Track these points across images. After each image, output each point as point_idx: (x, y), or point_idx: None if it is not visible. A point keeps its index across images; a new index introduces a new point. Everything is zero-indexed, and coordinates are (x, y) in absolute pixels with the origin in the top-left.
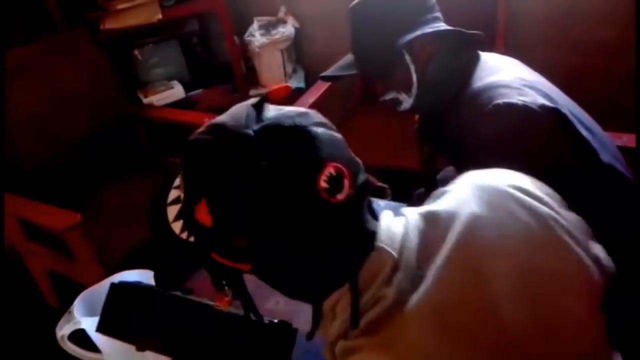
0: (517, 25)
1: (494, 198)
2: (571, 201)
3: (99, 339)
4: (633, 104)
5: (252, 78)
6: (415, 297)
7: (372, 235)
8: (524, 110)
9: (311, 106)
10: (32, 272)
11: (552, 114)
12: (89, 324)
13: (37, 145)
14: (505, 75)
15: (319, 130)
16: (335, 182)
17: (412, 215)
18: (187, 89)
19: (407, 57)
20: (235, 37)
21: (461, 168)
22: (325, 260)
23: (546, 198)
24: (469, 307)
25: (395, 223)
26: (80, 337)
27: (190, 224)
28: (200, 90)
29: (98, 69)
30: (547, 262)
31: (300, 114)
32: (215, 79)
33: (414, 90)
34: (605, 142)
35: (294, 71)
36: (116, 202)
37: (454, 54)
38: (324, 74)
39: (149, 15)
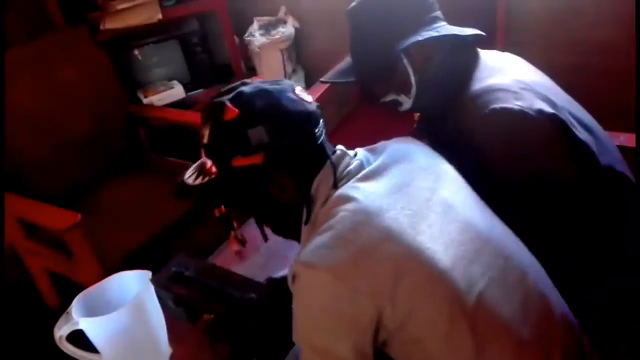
0: (516, 23)
1: None
2: (571, 205)
3: (97, 339)
4: (632, 103)
5: (252, 78)
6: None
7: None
8: (519, 115)
9: None
10: (31, 272)
11: (549, 119)
12: (88, 325)
13: (37, 145)
14: (503, 77)
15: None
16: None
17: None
18: (187, 89)
19: (405, 61)
20: (236, 37)
21: (458, 168)
22: (311, 147)
23: None
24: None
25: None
26: (78, 338)
27: (217, 135)
28: (200, 90)
29: (98, 69)
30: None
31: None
32: (215, 79)
33: (413, 91)
34: (606, 143)
35: (294, 71)
36: (116, 202)
37: (452, 56)
38: (323, 78)
39: (149, 15)
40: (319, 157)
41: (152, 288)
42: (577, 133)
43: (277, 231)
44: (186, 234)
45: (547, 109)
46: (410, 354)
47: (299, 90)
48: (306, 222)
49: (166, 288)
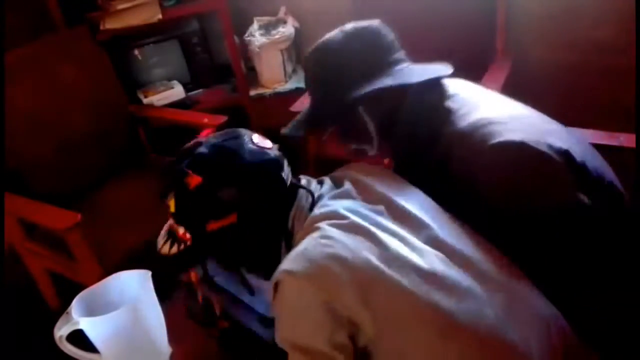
0: (516, 23)
1: None
2: (586, 232)
3: (97, 339)
4: (631, 103)
5: (252, 78)
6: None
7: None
8: (522, 146)
9: None
10: (31, 272)
11: (547, 144)
12: (87, 325)
13: (37, 145)
14: (485, 110)
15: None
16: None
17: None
18: (187, 89)
19: (361, 109)
20: (236, 37)
21: (452, 202)
22: (281, 191)
23: None
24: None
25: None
26: (78, 338)
27: (184, 198)
28: (201, 90)
29: (98, 69)
30: None
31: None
32: (215, 79)
33: (375, 141)
34: (595, 159)
35: (294, 71)
36: (116, 202)
37: (416, 102)
38: (284, 131)
39: (149, 15)
40: (290, 194)
41: (152, 288)
42: (575, 156)
43: (258, 271)
44: None
45: (544, 141)
46: None
47: (256, 138)
48: (288, 250)
49: (193, 289)
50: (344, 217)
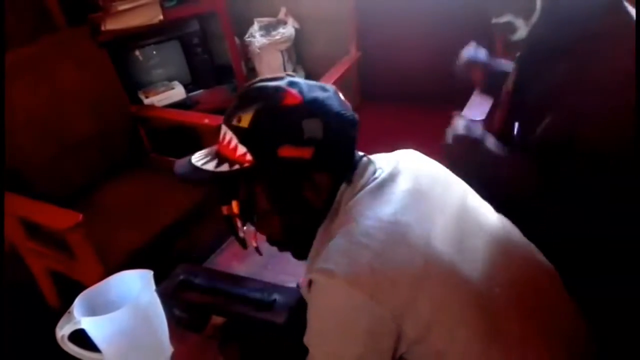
0: None
1: None
2: None
3: (99, 339)
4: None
5: (252, 79)
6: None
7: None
8: None
9: None
10: (33, 271)
11: None
12: (89, 324)
13: (37, 145)
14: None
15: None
16: None
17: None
18: (187, 89)
19: None
20: (236, 38)
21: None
22: (351, 152)
23: None
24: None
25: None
26: (80, 337)
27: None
28: (201, 90)
29: (99, 69)
30: None
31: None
32: (216, 79)
33: (535, 17)
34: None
35: (294, 72)
36: (117, 202)
37: None
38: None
39: (150, 16)
40: (352, 163)
41: (153, 287)
42: None
43: (283, 239)
44: (186, 234)
45: None
46: None
47: (341, 95)
48: (329, 221)
49: (175, 296)
50: (382, 216)
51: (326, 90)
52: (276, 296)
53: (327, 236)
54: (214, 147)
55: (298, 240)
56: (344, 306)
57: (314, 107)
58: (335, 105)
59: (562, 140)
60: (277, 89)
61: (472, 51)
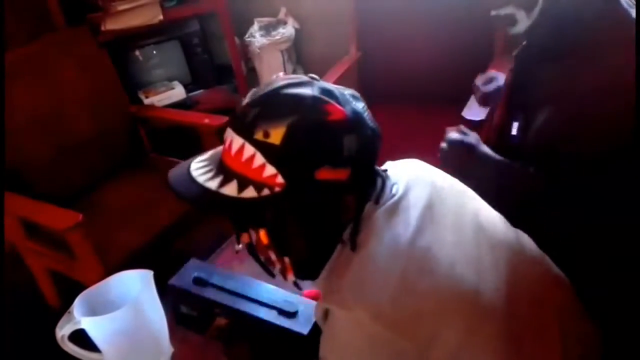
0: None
1: None
2: None
3: (99, 338)
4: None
5: (252, 79)
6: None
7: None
8: None
9: None
10: (33, 271)
11: None
12: (89, 324)
13: (37, 145)
14: None
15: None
16: None
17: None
18: (187, 89)
19: None
20: (236, 38)
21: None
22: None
23: None
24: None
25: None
26: (80, 337)
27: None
28: (201, 90)
29: (99, 69)
30: None
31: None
32: (216, 79)
33: (537, 9)
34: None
35: (294, 72)
36: (117, 202)
37: None
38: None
39: (150, 16)
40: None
41: (153, 287)
42: None
43: (306, 262)
44: (186, 234)
45: None
46: None
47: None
48: (353, 248)
49: (189, 293)
50: (399, 240)
51: (358, 100)
52: (300, 307)
53: (343, 257)
54: (216, 156)
55: (319, 263)
56: (364, 340)
57: (355, 123)
58: (368, 118)
59: (554, 142)
60: (316, 99)
61: (457, 135)
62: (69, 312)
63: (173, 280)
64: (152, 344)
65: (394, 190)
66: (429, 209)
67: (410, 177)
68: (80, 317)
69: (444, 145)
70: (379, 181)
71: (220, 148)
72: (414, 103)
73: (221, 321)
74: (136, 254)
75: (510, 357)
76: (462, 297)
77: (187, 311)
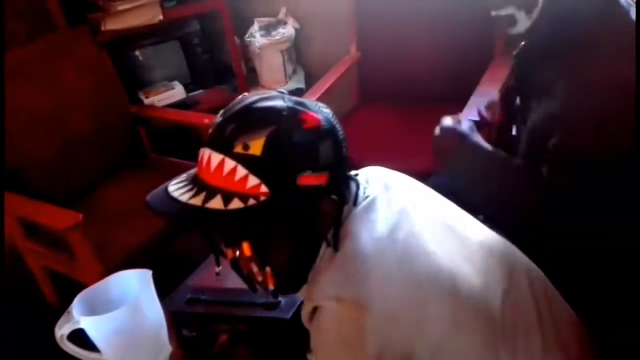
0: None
1: None
2: None
3: (98, 338)
4: None
5: (252, 79)
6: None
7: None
8: None
9: None
10: (32, 271)
11: None
12: (88, 324)
13: (38, 145)
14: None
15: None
16: None
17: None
18: (187, 89)
19: None
20: (236, 38)
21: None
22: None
23: None
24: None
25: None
26: (79, 337)
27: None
28: (201, 90)
29: (99, 69)
30: None
31: None
32: (216, 79)
33: (536, 11)
34: None
35: (294, 72)
36: (116, 202)
37: None
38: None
39: (150, 16)
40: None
41: (152, 287)
42: None
43: (287, 273)
44: (185, 234)
45: None
46: None
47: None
48: (335, 248)
49: (184, 313)
50: (379, 237)
51: (326, 108)
52: (282, 299)
53: (326, 258)
54: (193, 176)
55: (302, 271)
56: (354, 331)
57: (329, 129)
58: (335, 119)
59: (549, 135)
60: (291, 109)
61: (451, 122)
62: (68, 312)
63: (168, 303)
64: (151, 343)
65: (367, 192)
66: (404, 206)
67: (380, 180)
68: (79, 317)
69: (437, 131)
70: (353, 184)
71: (193, 170)
72: (414, 103)
73: (223, 337)
74: (135, 254)
75: (493, 345)
76: (443, 287)
77: (187, 333)
